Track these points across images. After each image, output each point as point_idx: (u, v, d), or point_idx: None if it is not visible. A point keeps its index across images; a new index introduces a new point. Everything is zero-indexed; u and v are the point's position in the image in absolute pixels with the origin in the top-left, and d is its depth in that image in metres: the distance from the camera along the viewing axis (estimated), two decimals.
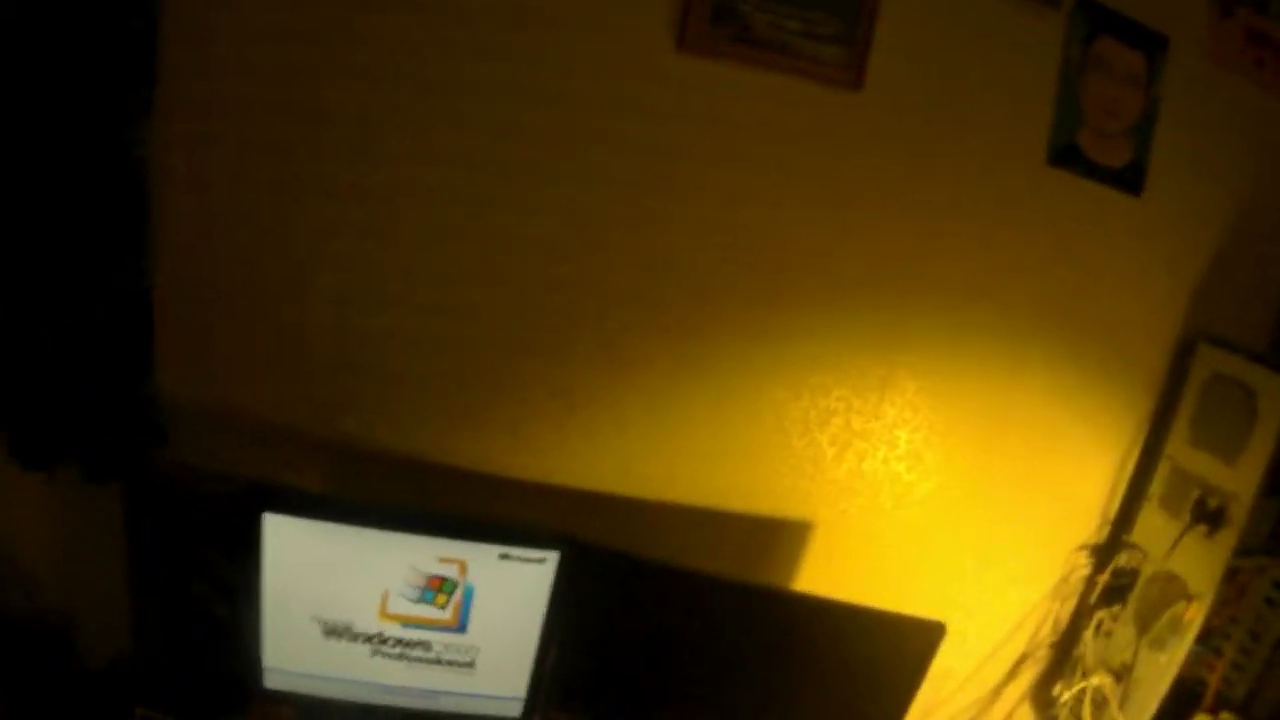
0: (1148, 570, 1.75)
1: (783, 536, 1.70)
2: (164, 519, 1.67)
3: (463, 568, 1.54)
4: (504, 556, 1.52)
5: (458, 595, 1.56)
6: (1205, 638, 1.67)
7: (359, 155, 1.44)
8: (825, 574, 1.71)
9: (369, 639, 1.59)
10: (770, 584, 1.65)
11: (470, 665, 1.61)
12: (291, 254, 1.51)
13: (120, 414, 1.59)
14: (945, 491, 1.72)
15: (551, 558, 1.52)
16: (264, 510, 1.50)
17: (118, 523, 1.68)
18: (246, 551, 1.53)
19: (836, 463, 1.67)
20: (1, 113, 1.35)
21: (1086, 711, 1.82)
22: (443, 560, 1.53)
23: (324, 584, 1.56)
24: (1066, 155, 1.62)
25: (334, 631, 1.59)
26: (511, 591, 1.55)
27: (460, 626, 1.58)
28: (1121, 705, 1.74)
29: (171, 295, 1.52)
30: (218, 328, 1.57)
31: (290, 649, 1.62)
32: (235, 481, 1.55)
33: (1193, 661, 1.68)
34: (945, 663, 1.63)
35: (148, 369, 1.58)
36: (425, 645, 1.59)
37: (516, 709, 1.64)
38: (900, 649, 1.57)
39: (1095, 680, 1.81)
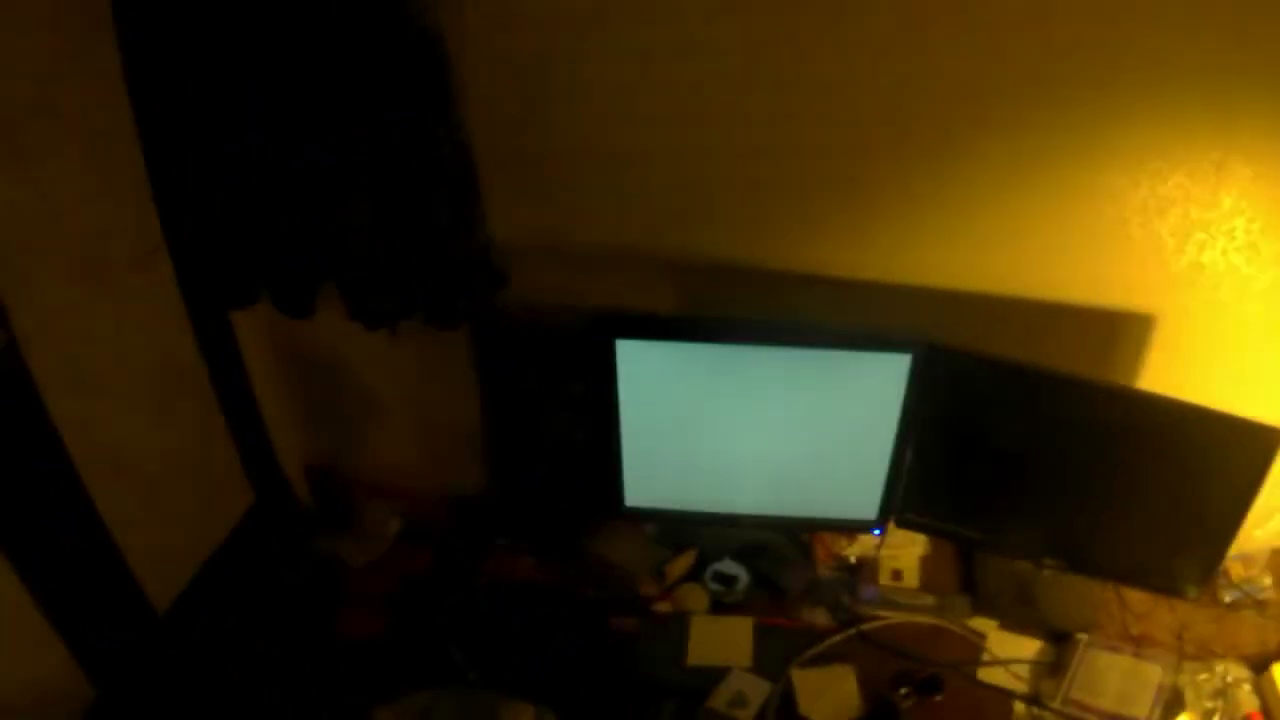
0: None
1: (1125, 332, 1.65)
2: (514, 356, 1.78)
3: (816, 376, 1.58)
4: (857, 362, 1.56)
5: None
6: None
7: None
8: (1167, 373, 1.65)
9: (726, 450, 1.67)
10: (1119, 383, 1.62)
11: (827, 471, 1.67)
12: (611, 81, 1.52)
13: (458, 266, 1.66)
14: None
15: (904, 360, 1.54)
16: (615, 337, 1.57)
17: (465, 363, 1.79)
18: (602, 379, 1.61)
19: (1177, 254, 1.60)
20: None
21: None
22: (797, 369, 1.57)
23: (679, 402, 1.64)
24: None
25: (690, 447, 1.68)
26: (866, 395, 1.58)
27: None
28: None
29: (492, 143, 1.56)
30: (544, 166, 1.62)
31: (648, 468, 1.71)
32: (584, 312, 1.61)
33: None
34: None
35: (478, 218, 1.63)
36: None
37: (872, 511, 1.70)
38: (1240, 452, 1.52)
39: None
